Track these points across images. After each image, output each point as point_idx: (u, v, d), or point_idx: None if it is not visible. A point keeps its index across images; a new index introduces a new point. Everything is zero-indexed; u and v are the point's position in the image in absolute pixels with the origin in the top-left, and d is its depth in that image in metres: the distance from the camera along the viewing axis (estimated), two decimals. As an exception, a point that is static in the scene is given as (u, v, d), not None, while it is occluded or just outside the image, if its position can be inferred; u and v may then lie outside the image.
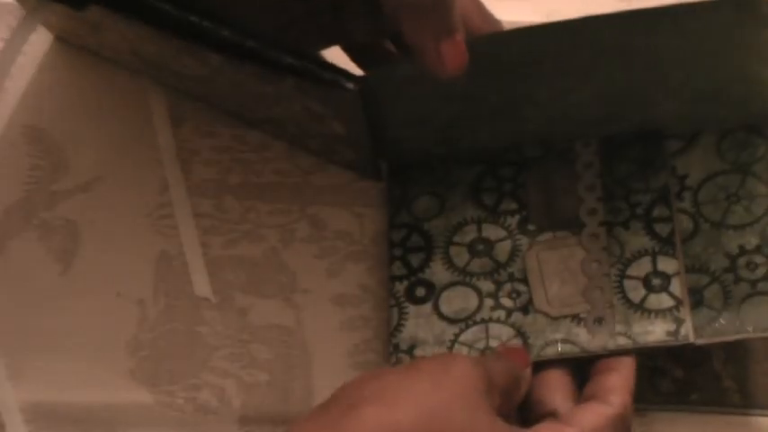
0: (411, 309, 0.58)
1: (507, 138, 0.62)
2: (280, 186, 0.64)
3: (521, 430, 0.50)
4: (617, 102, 0.61)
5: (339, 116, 0.58)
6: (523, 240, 0.59)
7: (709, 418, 0.59)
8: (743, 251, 0.58)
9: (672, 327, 0.55)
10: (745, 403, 0.59)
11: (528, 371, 0.54)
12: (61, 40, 0.67)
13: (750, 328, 0.55)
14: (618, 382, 0.53)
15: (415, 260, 0.60)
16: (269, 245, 0.63)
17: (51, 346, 0.59)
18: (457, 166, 0.62)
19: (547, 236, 0.59)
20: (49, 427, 0.57)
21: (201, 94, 0.65)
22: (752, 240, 0.58)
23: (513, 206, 0.60)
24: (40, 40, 0.68)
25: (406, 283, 0.59)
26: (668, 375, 0.59)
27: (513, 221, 0.60)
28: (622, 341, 0.55)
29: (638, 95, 0.61)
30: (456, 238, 0.60)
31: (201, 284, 0.61)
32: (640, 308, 0.56)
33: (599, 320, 0.56)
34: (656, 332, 0.55)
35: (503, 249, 0.59)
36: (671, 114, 0.61)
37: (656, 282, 0.57)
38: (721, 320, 0.56)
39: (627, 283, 0.57)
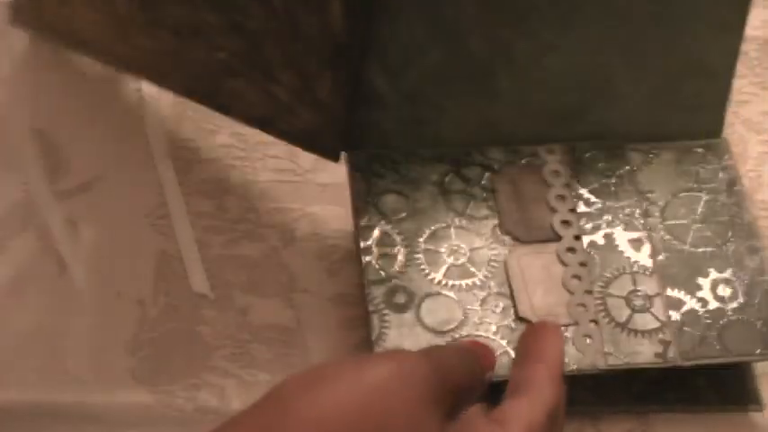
0: (393, 317, 0.57)
1: (472, 128, 0.62)
2: (280, 186, 0.65)
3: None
4: (584, 82, 0.62)
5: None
6: (500, 250, 0.59)
7: (709, 418, 0.59)
8: (716, 275, 0.58)
9: (659, 348, 0.56)
10: (720, 400, 0.59)
11: (489, 374, 0.52)
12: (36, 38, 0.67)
13: (733, 352, 0.56)
14: (546, 373, 0.50)
15: (389, 264, 0.58)
16: (269, 245, 0.63)
17: (51, 346, 0.59)
18: (420, 163, 0.61)
19: (524, 245, 0.59)
20: (49, 426, 0.57)
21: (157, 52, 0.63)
22: (723, 264, 0.59)
23: (485, 212, 0.60)
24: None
25: (382, 288, 0.58)
26: (640, 376, 0.59)
27: (486, 229, 0.60)
28: (612, 361, 0.55)
29: (603, 74, 0.62)
30: (430, 245, 0.59)
31: (199, 281, 0.61)
32: (626, 327, 0.56)
33: (587, 337, 0.56)
34: (644, 353, 0.56)
35: (480, 259, 0.59)
36: (631, 116, 0.63)
37: (638, 302, 0.57)
38: (705, 343, 0.56)
39: (610, 301, 0.57)
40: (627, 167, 0.62)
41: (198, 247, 0.63)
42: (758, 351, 0.56)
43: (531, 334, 0.52)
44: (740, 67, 0.69)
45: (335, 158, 0.61)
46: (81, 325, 0.60)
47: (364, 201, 0.60)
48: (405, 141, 0.61)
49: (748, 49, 0.70)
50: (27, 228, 0.63)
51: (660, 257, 0.59)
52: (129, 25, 0.60)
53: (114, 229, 0.63)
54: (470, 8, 0.61)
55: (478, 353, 0.51)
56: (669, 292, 0.58)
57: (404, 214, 0.60)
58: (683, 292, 0.58)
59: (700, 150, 0.62)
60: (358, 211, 0.60)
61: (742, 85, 0.69)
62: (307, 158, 0.64)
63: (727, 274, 0.59)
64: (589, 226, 0.60)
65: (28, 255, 0.62)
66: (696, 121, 0.63)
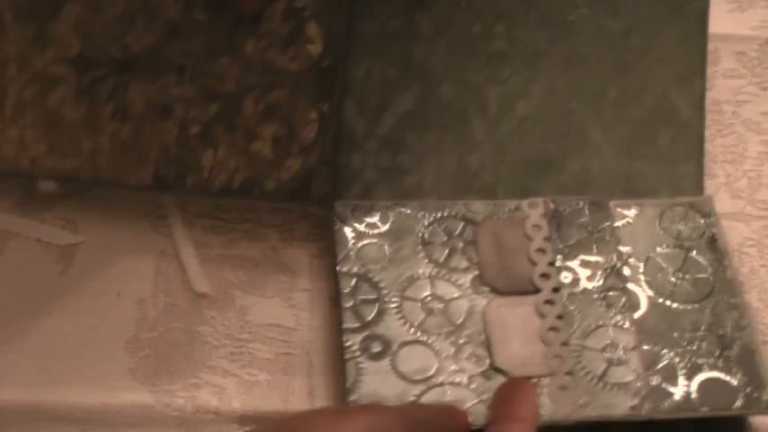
0: (368, 365, 0.57)
1: (453, 178, 0.63)
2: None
3: None
4: (557, 130, 0.63)
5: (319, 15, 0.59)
6: (478, 301, 0.59)
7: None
8: (695, 329, 0.59)
9: (634, 401, 0.56)
10: (702, 404, 0.59)
11: None
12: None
13: (706, 408, 0.57)
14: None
15: (366, 312, 0.58)
16: (269, 245, 0.63)
17: (51, 346, 0.59)
18: (402, 214, 0.62)
19: (503, 296, 0.59)
20: (49, 427, 0.57)
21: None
22: (702, 319, 0.59)
23: (465, 263, 0.60)
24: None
25: (359, 336, 0.58)
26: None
27: (465, 280, 0.60)
28: (587, 413, 0.56)
29: (575, 122, 0.63)
30: (409, 293, 0.59)
31: (199, 281, 0.61)
32: (602, 380, 0.57)
33: (562, 389, 0.56)
34: (619, 405, 0.56)
35: (458, 309, 0.59)
36: (609, 168, 0.64)
37: (615, 355, 0.58)
38: (678, 397, 0.57)
39: (587, 354, 0.58)
40: (608, 223, 0.62)
41: (198, 246, 0.62)
42: (736, 405, 0.56)
43: (507, 391, 0.54)
44: (740, 67, 0.69)
45: (329, 204, 0.61)
46: (81, 325, 0.60)
47: (345, 249, 0.60)
48: (388, 192, 0.62)
49: (748, 49, 0.70)
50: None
51: (639, 312, 0.59)
52: (80, 129, 0.59)
53: (114, 229, 0.63)
54: (440, 51, 0.62)
55: (453, 414, 0.53)
56: (646, 346, 0.58)
57: (384, 263, 0.60)
58: (660, 347, 0.58)
59: (682, 208, 0.63)
60: (338, 259, 0.60)
61: (741, 85, 0.69)
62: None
63: (706, 328, 0.59)
64: (568, 279, 0.60)
65: (28, 255, 0.62)
66: (676, 175, 0.64)
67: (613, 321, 0.59)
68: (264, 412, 0.58)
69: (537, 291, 0.59)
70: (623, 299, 0.59)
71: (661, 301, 0.60)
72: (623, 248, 0.61)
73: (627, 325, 0.59)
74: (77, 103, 0.60)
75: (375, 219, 0.61)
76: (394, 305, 0.59)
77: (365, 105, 0.62)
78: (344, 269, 0.60)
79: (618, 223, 0.62)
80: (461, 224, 0.62)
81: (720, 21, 0.71)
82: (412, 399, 0.56)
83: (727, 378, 0.57)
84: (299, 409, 0.58)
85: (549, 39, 0.65)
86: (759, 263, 0.64)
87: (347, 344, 0.57)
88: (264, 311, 0.61)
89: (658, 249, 0.62)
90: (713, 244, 0.62)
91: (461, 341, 0.58)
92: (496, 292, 0.60)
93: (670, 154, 0.64)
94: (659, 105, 0.65)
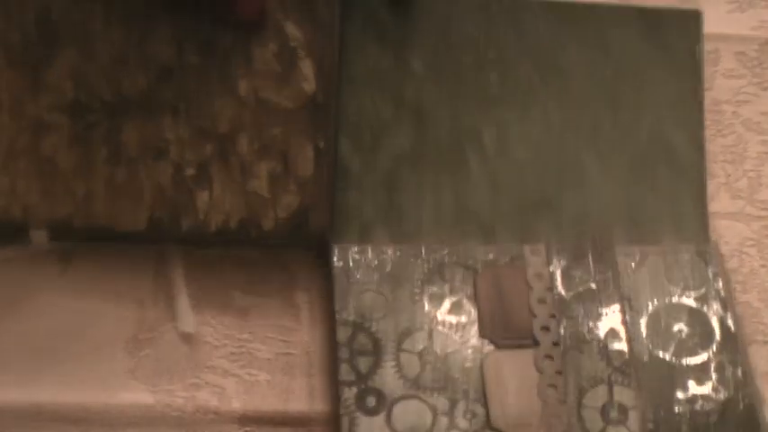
0: (362, 420, 0.57)
1: (452, 217, 0.62)
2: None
3: None
4: (554, 168, 0.63)
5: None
6: (476, 354, 0.59)
7: None
8: (696, 388, 0.58)
9: None
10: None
11: None
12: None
13: None
14: None
15: (363, 365, 0.58)
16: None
17: (51, 346, 0.59)
18: (402, 261, 0.61)
19: (502, 349, 0.59)
20: (49, 427, 0.57)
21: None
22: (704, 376, 0.59)
23: (464, 314, 0.60)
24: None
25: (355, 389, 0.57)
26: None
27: (464, 332, 0.59)
28: None
29: (572, 160, 0.63)
30: (406, 345, 0.59)
31: (186, 322, 0.60)
32: None
33: None
34: None
35: (455, 362, 0.58)
36: (610, 207, 0.63)
37: (613, 414, 0.57)
38: None
39: (584, 412, 0.57)
40: (612, 271, 0.61)
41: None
42: None
43: None
44: (740, 67, 0.69)
45: (327, 239, 0.60)
46: (81, 325, 0.60)
47: (344, 297, 0.60)
48: (386, 233, 0.62)
49: (748, 49, 0.70)
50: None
51: (640, 368, 0.59)
52: (73, 175, 0.59)
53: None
54: (432, 90, 0.63)
55: None
56: (646, 404, 0.57)
57: (382, 314, 0.59)
58: (660, 405, 0.58)
59: (688, 256, 0.62)
60: (336, 307, 0.59)
61: (741, 84, 0.69)
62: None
63: (708, 386, 0.58)
64: (569, 332, 0.59)
65: (28, 255, 0.62)
66: (679, 213, 0.63)
67: (613, 378, 0.58)
68: (264, 412, 0.58)
69: (536, 344, 0.59)
70: (624, 354, 0.59)
71: (663, 356, 0.59)
72: (626, 300, 0.60)
73: (627, 382, 0.58)
74: (71, 150, 0.59)
75: (373, 264, 0.60)
76: (391, 357, 0.58)
77: (359, 143, 0.62)
78: (342, 317, 0.59)
79: (622, 272, 0.61)
80: (461, 271, 0.61)
81: (720, 21, 0.71)
82: None
83: None
84: (299, 410, 0.58)
85: (541, 80, 0.65)
86: (759, 263, 0.64)
87: (342, 397, 0.57)
88: (264, 311, 0.61)
89: (662, 301, 0.61)
90: (719, 296, 0.61)
91: (457, 396, 0.57)
92: (495, 344, 0.59)
93: (670, 192, 0.64)
94: (656, 145, 0.65)
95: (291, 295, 0.61)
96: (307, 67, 0.60)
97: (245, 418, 0.58)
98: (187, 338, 0.60)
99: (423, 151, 0.63)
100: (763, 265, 0.64)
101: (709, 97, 0.68)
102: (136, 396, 0.58)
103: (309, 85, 0.60)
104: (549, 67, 0.65)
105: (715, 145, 0.67)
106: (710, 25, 0.70)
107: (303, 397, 0.59)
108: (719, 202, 0.65)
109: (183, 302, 0.60)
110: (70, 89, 0.60)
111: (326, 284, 0.61)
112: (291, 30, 0.60)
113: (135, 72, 0.60)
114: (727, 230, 0.65)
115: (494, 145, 0.63)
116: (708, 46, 0.70)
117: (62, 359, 0.59)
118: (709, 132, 0.67)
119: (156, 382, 0.59)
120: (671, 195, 0.64)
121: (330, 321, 0.61)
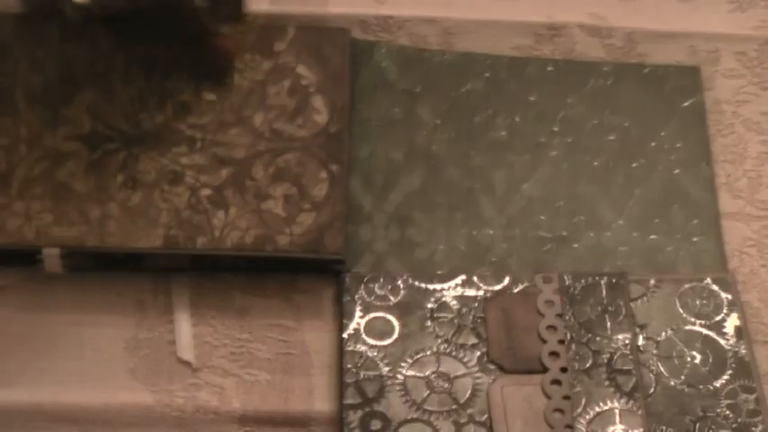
0: None
1: (464, 252, 0.62)
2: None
3: None
4: (566, 210, 0.64)
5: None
6: (483, 379, 0.58)
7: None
8: (706, 415, 0.58)
9: None
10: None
11: None
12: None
13: None
14: None
15: (369, 388, 0.58)
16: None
17: (51, 347, 0.59)
18: (413, 288, 0.61)
19: (509, 374, 0.59)
20: (49, 427, 0.57)
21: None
22: (715, 403, 0.58)
23: (473, 340, 0.60)
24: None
25: (360, 413, 0.57)
26: None
27: (472, 357, 0.59)
28: None
29: (584, 202, 0.64)
30: (413, 370, 0.59)
31: (186, 349, 0.60)
32: None
33: None
34: None
35: (462, 387, 0.58)
36: (624, 246, 0.63)
37: None
38: None
39: None
40: (624, 300, 0.61)
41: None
42: None
43: None
44: (740, 67, 0.69)
45: (343, 257, 0.61)
46: (81, 325, 0.60)
47: (353, 323, 0.60)
48: (400, 264, 0.62)
49: (748, 49, 0.70)
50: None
51: (649, 394, 0.58)
52: (88, 199, 0.60)
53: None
54: (442, 138, 0.64)
55: None
56: (655, 431, 0.57)
57: (391, 339, 0.59)
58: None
59: (703, 284, 0.62)
60: (345, 334, 0.59)
61: (742, 85, 0.69)
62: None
63: (718, 414, 0.58)
64: (578, 358, 0.59)
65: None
66: (696, 250, 0.63)
67: (621, 404, 0.58)
68: (264, 412, 0.58)
69: (545, 370, 0.59)
70: (633, 380, 0.58)
71: (673, 383, 0.59)
72: (639, 326, 0.60)
73: (635, 408, 0.57)
74: (87, 176, 0.61)
75: (384, 291, 0.61)
76: (398, 382, 0.58)
77: (371, 183, 0.64)
78: (350, 346, 0.59)
79: (635, 299, 0.61)
80: (472, 299, 0.61)
81: (720, 21, 0.71)
82: None
83: None
84: (299, 410, 0.58)
85: (548, 132, 0.66)
86: (759, 263, 0.64)
87: (347, 420, 0.57)
88: (264, 311, 0.61)
89: (675, 328, 0.60)
90: (733, 324, 0.61)
91: (463, 420, 0.57)
92: (503, 370, 0.59)
93: (686, 230, 0.64)
94: (668, 188, 0.65)
95: (291, 295, 0.61)
96: (319, 103, 0.62)
97: (244, 418, 0.58)
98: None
99: (434, 191, 0.64)
100: (763, 265, 0.64)
101: (709, 97, 0.68)
102: (136, 396, 0.58)
103: (322, 117, 0.62)
104: (556, 120, 0.67)
105: (715, 145, 0.67)
106: (711, 25, 0.71)
107: (303, 397, 0.59)
108: (719, 202, 0.65)
109: (185, 330, 0.60)
110: (88, 122, 0.62)
111: (335, 299, 0.61)
112: (303, 71, 0.63)
113: (153, 108, 0.62)
114: (728, 230, 0.64)
115: (504, 186, 0.64)
116: (708, 46, 0.70)
117: (62, 359, 0.59)
118: (708, 132, 0.67)
119: (156, 382, 0.59)
120: (686, 234, 0.64)
121: (331, 322, 0.61)
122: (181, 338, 0.60)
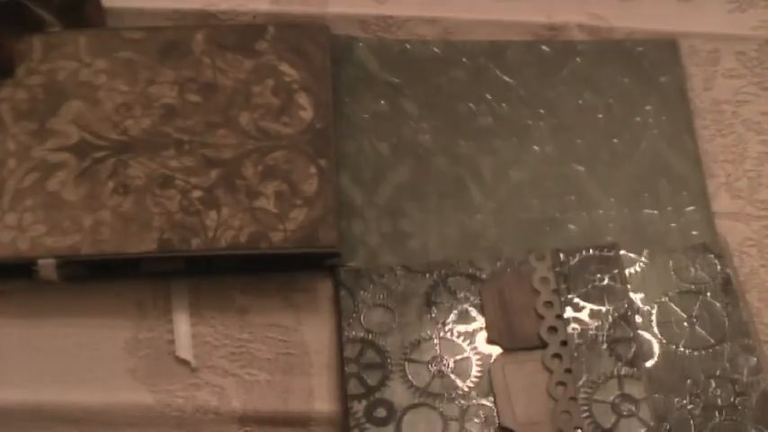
0: (373, 431, 0.57)
1: (457, 240, 0.63)
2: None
3: None
4: (554, 191, 0.64)
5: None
6: (484, 360, 0.59)
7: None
8: (709, 376, 0.58)
9: None
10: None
11: None
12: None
13: None
14: None
15: (371, 378, 0.58)
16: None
17: (51, 347, 0.59)
18: (407, 276, 0.61)
19: (510, 353, 0.59)
20: (49, 427, 0.57)
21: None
22: (716, 365, 0.59)
23: (471, 323, 0.60)
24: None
25: (364, 402, 0.58)
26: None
27: (471, 339, 0.59)
28: None
29: (571, 183, 0.64)
30: (414, 356, 0.59)
31: (185, 348, 0.60)
32: None
33: None
34: None
35: (464, 369, 0.59)
36: (614, 222, 0.63)
37: (624, 406, 0.57)
38: None
39: (596, 407, 0.57)
40: (618, 270, 0.61)
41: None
42: None
43: None
44: (740, 67, 0.69)
45: (338, 250, 0.61)
46: (81, 325, 0.60)
47: (350, 315, 0.60)
48: (393, 255, 0.62)
49: (748, 49, 0.70)
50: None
51: (650, 360, 0.59)
52: (80, 208, 0.60)
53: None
54: (428, 129, 0.65)
55: None
56: (657, 395, 0.57)
57: (389, 328, 0.60)
58: (672, 396, 0.58)
59: (695, 250, 0.62)
60: (343, 327, 0.60)
61: (742, 84, 0.69)
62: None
63: (720, 375, 0.58)
64: (577, 331, 0.59)
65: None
66: (685, 221, 0.64)
67: (623, 372, 0.58)
68: (264, 412, 0.58)
69: (544, 345, 0.59)
70: (633, 348, 0.59)
71: (673, 348, 0.59)
72: (634, 295, 0.61)
73: (637, 375, 0.58)
74: (78, 185, 0.61)
75: (380, 283, 0.61)
76: (400, 369, 0.59)
77: (360, 177, 0.64)
78: (350, 335, 0.59)
79: (629, 269, 0.61)
80: (467, 282, 0.61)
81: (720, 21, 0.71)
82: None
83: (742, 425, 0.56)
84: (299, 410, 0.58)
85: (532, 114, 0.66)
86: (759, 263, 0.64)
87: (352, 410, 0.57)
88: (264, 311, 0.61)
89: (671, 294, 0.61)
90: (727, 286, 0.61)
91: (467, 402, 0.58)
92: (503, 349, 0.59)
93: (675, 203, 0.64)
94: (653, 163, 0.65)
95: (290, 295, 0.61)
96: (303, 99, 0.63)
97: (244, 418, 0.58)
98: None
99: (423, 181, 0.64)
100: (763, 265, 0.64)
101: (709, 97, 0.68)
102: (136, 396, 0.58)
103: (307, 114, 0.62)
104: (538, 103, 0.67)
105: (715, 145, 0.67)
106: (710, 25, 0.71)
107: (303, 397, 0.59)
108: (719, 202, 0.65)
109: (184, 329, 0.60)
110: (75, 133, 0.62)
111: (333, 298, 0.61)
112: (286, 68, 0.63)
113: (139, 114, 0.62)
114: (728, 230, 0.65)
115: (493, 171, 0.65)
116: (708, 46, 0.70)
117: (62, 359, 0.59)
118: (708, 132, 0.67)
119: (155, 382, 0.59)
120: (674, 206, 0.64)
121: (331, 322, 0.61)
122: (180, 338, 0.60)
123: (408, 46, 0.68)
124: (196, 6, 0.67)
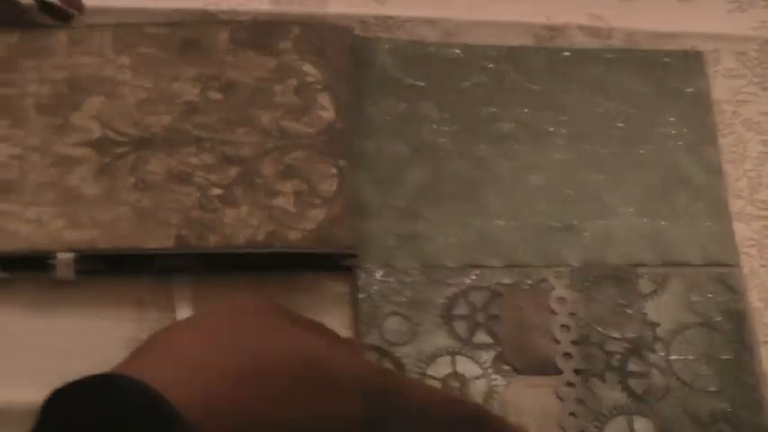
0: None
1: (473, 245, 0.62)
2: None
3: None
4: (572, 198, 0.64)
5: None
6: (499, 381, 0.59)
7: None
8: (713, 419, 0.58)
9: None
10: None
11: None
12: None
13: None
14: None
15: None
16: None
17: (51, 346, 0.59)
18: (426, 285, 0.61)
19: (524, 375, 0.59)
20: (49, 427, 0.57)
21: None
22: (721, 407, 0.58)
23: (487, 339, 0.60)
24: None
25: None
26: None
27: (488, 357, 0.59)
28: None
29: (589, 190, 0.64)
30: (430, 371, 0.59)
31: None
32: None
33: None
34: None
35: (478, 389, 0.58)
36: (631, 232, 0.63)
37: None
38: None
39: None
40: (635, 296, 0.61)
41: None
42: None
43: None
44: (740, 67, 0.69)
45: (355, 252, 0.61)
46: (81, 325, 0.60)
47: (367, 323, 0.60)
48: (410, 258, 0.62)
49: (748, 49, 0.70)
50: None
51: (659, 397, 0.58)
52: (99, 203, 0.60)
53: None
54: (448, 132, 0.65)
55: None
56: None
57: (406, 338, 0.60)
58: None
59: (713, 281, 0.62)
60: (361, 332, 0.60)
61: (742, 84, 0.69)
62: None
63: (722, 418, 0.58)
64: (591, 360, 0.59)
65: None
66: (703, 233, 0.64)
67: (633, 407, 0.58)
68: (264, 412, 0.58)
69: (558, 371, 0.59)
70: (645, 383, 0.59)
71: (682, 385, 0.59)
72: (649, 324, 0.60)
73: (646, 412, 0.58)
74: (98, 180, 0.61)
75: (398, 288, 0.61)
76: None
77: (378, 179, 0.64)
78: (367, 341, 0.59)
79: (645, 295, 0.61)
80: (485, 296, 0.61)
81: (720, 21, 0.71)
82: None
83: None
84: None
85: (551, 120, 0.66)
86: (759, 263, 0.64)
87: None
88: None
89: (684, 325, 0.61)
90: (740, 322, 0.61)
91: None
92: (517, 371, 0.59)
93: (693, 214, 0.64)
94: (674, 173, 0.65)
95: (292, 294, 0.61)
96: (325, 100, 0.63)
97: (245, 418, 0.58)
98: None
99: (441, 184, 0.64)
100: (763, 265, 0.64)
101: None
102: (136, 396, 0.58)
103: (328, 114, 0.63)
104: (559, 110, 0.67)
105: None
106: (710, 25, 0.71)
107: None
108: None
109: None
110: (97, 128, 0.62)
111: (350, 308, 0.61)
112: (308, 68, 0.64)
113: (161, 111, 0.62)
114: (728, 230, 0.65)
115: (512, 177, 0.65)
116: (708, 46, 0.70)
117: (62, 359, 0.59)
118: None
119: (156, 381, 0.58)
120: (693, 218, 0.64)
121: (330, 320, 0.61)
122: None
123: (431, 49, 0.68)
124: (196, 6, 0.67)
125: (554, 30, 0.70)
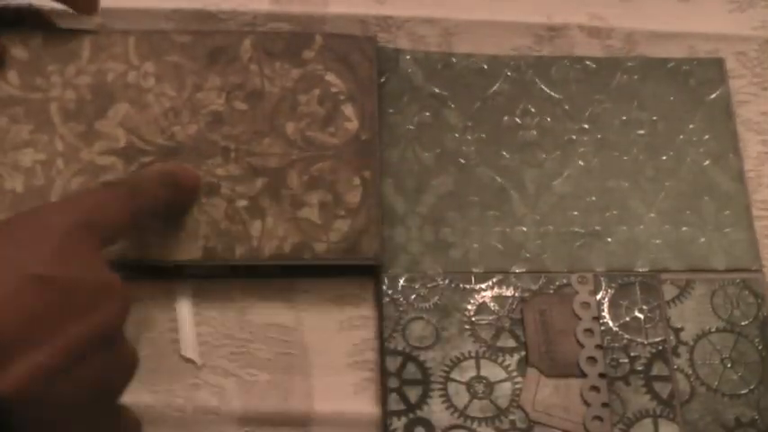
0: None
1: (499, 251, 0.62)
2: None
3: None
4: (598, 205, 0.64)
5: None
6: (522, 383, 0.59)
7: None
8: (739, 423, 0.58)
9: None
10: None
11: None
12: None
13: None
14: None
15: (412, 395, 0.58)
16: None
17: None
18: (450, 290, 0.61)
19: (549, 378, 0.59)
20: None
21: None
22: (747, 412, 0.58)
23: (512, 343, 0.60)
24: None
25: (404, 419, 0.58)
26: None
27: (512, 361, 0.59)
28: None
29: (615, 197, 0.64)
30: (454, 375, 0.59)
31: (190, 347, 0.60)
32: None
33: None
34: None
35: (503, 392, 0.58)
36: (656, 238, 0.63)
37: None
38: None
39: None
40: (659, 301, 0.61)
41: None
42: None
43: None
44: (740, 67, 0.69)
45: (379, 262, 0.61)
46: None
47: (392, 327, 0.60)
48: (435, 263, 0.62)
49: (748, 49, 0.70)
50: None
51: (685, 401, 0.58)
52: None
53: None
54: (472, 140, 0.65)
55: (178, 176, 0.57)
56: None
57: (430, 342, 0.60)
58: None
59: (736, 286, 0.62)
60: (385, 337, 0.60)
61: (742, 85, 0.69)
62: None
63: (749, 423, 0.58)
64: (615, 364, 0.59)
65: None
66: (728, 241, 0.63)
67: (658, 411, 0.58)
68: (264, 412, 0.58)
69: (583, 375, 0.59)
70: (669, 387, 0.58)
71: (707, 390, 0.59)
72: (673, 330, 0.60)
73: (671, 416, 0.57)
74: None
75: (422, 293, 0.61)
76: (439, 387, 0.58)
77: (403, 186, 0.64)
78: (391, 346, 0.59)
79: (669, 300, 0.61)
80: (509, 300, 0.61)
81: (720, 21, 0.71)
82: None
83: None
84: (299, 410, 0.58)
85: (577, 129, 0.66)
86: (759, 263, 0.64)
87: (391, 427, 0.57)
88: (264, 311, 0.61)
89: (709, 331, 0.60)
90: (764, 328, 0.61)
91: (504, 427, 0.57)
92: (542, 374, 0.59)
93: (717, 221, 0.64)
94: (697, 180, 0.65)
95: (291, 295, 0.61)
96: (349, 110, 0.63)
97: (244, 418, 0.58)
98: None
99: (466, 191, 0.64)
100: (763, 266, 0.64)
101: (708, 97, 0.68)
102: (136, 396, 0.58)
103: (353, 125, 0.62)
104: (583, 118, 0.67)
105: (714, 145, 0.67)
106: (710, 25, 0.70)
107: (303, 397, 0.59)
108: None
109: (189, 328, 0.60)
110: (123, 136, 0.62)
111: (375, 312, 0.61)
112: (332, 78, 0.63)
113: (186, 120, 0.62)
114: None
115: (536, 184, 0.65)
116: (708, 46, 0.70)
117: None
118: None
119: (156, 382, 0.59)
120: (717, 225, 0.64)
121: (331, 321, 0.61)
122: (185, 337, 0.60)
123: (454, 59, 0.68)
124: (196, 6, 0.67)
125: (554, 29, 0.70)
